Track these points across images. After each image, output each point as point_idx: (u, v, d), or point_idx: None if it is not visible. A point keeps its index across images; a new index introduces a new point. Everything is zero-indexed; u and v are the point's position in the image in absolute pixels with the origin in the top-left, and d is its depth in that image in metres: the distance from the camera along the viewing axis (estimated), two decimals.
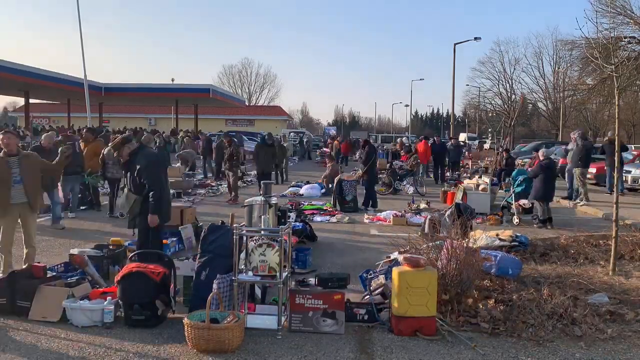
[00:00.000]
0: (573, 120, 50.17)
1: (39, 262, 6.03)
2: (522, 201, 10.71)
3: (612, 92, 8.09)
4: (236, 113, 59.39)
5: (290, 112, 79.55)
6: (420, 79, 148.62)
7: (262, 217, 4.97)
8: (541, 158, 10.71)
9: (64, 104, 38.31)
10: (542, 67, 55.82)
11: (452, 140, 22.81)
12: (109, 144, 11.43)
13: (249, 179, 18.49)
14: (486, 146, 37.28)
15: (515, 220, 10.72)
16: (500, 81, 58.02)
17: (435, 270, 5.03)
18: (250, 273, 4.83)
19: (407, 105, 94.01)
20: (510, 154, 18.71)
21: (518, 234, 8.08)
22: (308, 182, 16.88)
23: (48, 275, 5.54)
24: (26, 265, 6.01)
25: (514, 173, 11.80)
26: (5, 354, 4.32)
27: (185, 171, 17.67)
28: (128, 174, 6.13)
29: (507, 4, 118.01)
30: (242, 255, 4.92)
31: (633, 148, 26.82)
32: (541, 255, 7.54)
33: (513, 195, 10.90)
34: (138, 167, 5.95)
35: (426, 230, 9.14)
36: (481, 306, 5.24)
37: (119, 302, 4.98)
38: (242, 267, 4.91)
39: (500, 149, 19.16)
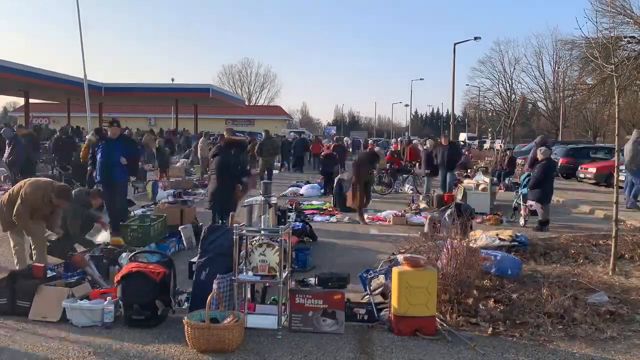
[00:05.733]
0: (573, 120, 50.17)
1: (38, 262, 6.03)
2: (529, 202, 10.69)
3: (612, 92, 8.08)
4: (236, 113, 59.37)
5: (290, 112, 79.62)
6: (420, 79, 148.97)
7: (262, 216, 4.97)
8: (540, 157, 10.64)
9: (64, 103, 38.30)
10: (542, 66, 55.87)
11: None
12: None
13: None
14: (486, 146, 37.29)
15: (522, 222, 10.68)
16: (500, 81, 58.13)
17: (435, 270, 5.03)
18: (250, 273, 4.84)
19: (407, 105, 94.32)
20: (512, 155, 18.67)
21: (518, 234, 8.08)
22: (308, 182, 16.87)
23: (48, 275, 5.54)
24: None
25: (522, 176, 11.75)
26: (5, 354, 4.32)
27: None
28: None
29: (507, 4, 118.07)
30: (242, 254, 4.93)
31: None
32: (541, 255, 7.54)
33: (521, 196, 10.88)
34: None
35: (426, 229, 9.15)
36: (481, 306, 5.24)
37: (119, 302, 4.98)
38: (242, 266, 4.91)
39: (502, 149, 19.14)
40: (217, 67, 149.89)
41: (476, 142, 41.89)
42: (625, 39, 17.05)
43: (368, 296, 5.44)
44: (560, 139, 41.47)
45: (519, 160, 20.58)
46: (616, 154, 7.71)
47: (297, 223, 8.65)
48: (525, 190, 10.81)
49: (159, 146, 18.46)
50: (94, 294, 5.19)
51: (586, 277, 6.33)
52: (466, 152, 28.09)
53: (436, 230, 8.65)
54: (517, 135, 55.00)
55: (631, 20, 16.11)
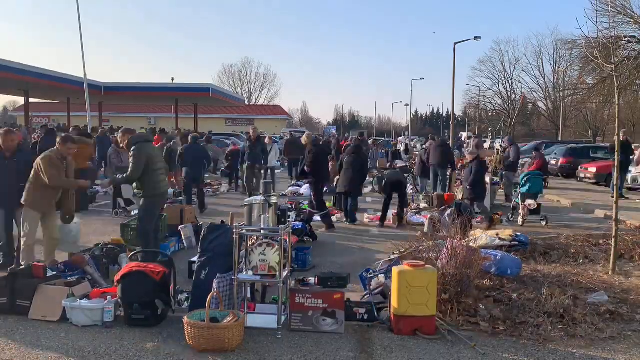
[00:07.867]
0: (573, 120, 50.19)
1: (38, 261, 6.03)
2: (528, 201, 10.68)
3: (612, 92, 8.09)
4: (236, 112, 59.37)
5: (290, 112, 79.59)
6: (420, 78, 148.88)
7: (262, 216, 4.97)
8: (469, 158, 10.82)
9: (64, 103, 38.26)
10: (542, 66, 55.98)
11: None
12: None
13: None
14: (486, 145, 37.21)
15: (520, 220, 10.69)
16: (500, 80, 58.21)
17: (435, 269, 5.03)
18: (250, 272, 4.84)
19: (407, 105, 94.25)
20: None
21: (518, 234, 8.07)
22: (308, 182, 16.83)
23: (48, 275, 5.54)
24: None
25: (521, 175, 11.77)
26: (5, 354, 4.32)
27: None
28: None
29: (507, 4, 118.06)
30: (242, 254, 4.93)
31: (633, 148, 26.78)
32: (541, 255, 7.54)
33: (520, 195, 10.88)
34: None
35: (426, 229, 9.15)
36: (481, 305, 5.25)
37: (119, 301, 4.98)
38: (242, 266, 4.91)
39: (502, 149, 19.10)
40: (217, 67, 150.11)
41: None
42: (626, 39, 17.07)
43: (368, 296, 5.44)
44: (560, 139, 41.50)
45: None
46: (616, 153, 7.69)
47: (297, 223, 8.65)
48: (523, 189, 10.82)
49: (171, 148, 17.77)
50: (94, 293, 5.18)
51: (586, 277, 6.34)
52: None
53: (436, 229, 8.65)
54: (517, 135, 55.00)
55: (631, 20, 16.12)
